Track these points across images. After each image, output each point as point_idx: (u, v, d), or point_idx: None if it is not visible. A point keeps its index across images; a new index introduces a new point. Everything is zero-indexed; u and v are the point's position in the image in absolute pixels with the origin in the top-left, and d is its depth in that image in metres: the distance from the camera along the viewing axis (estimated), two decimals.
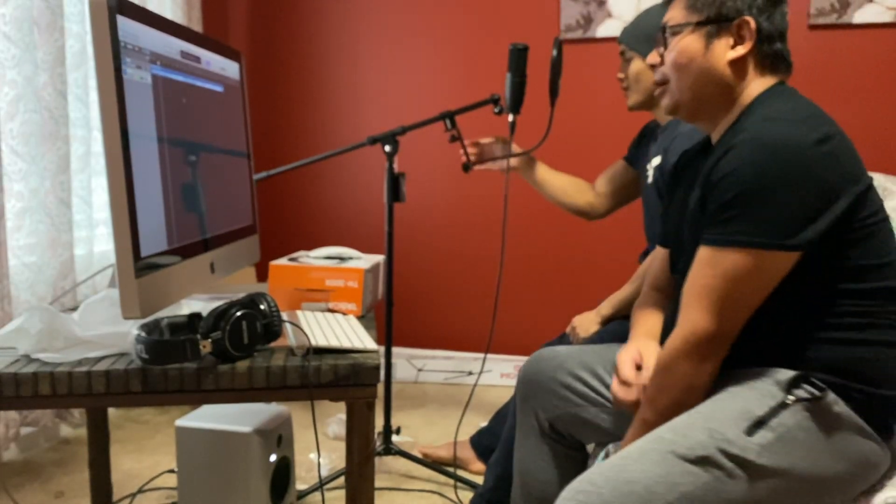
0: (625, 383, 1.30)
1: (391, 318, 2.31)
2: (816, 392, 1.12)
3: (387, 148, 2.23)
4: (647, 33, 1.89)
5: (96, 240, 2.74)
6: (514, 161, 2.18)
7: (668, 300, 1.44)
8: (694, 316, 1.15)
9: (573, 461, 1.52)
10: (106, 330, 1.25)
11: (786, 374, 1.15)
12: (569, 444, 1.52)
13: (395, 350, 3.39)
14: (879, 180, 2.48)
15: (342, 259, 1.67)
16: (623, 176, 2.18)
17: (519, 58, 2.05)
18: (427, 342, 3.43)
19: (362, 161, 3.44)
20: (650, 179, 1.96)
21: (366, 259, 1.70)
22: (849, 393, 1.14)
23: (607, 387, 1.44)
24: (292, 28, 3.46)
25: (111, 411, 2.79)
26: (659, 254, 1.48)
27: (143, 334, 1.18)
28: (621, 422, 1.42)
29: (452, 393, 3.19)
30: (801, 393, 1.12)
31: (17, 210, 2.35)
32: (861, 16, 2.83)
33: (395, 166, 2.26)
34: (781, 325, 1.17)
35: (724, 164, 1.14)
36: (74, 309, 1.46)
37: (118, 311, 1.13)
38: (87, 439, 1.81)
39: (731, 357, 1.19)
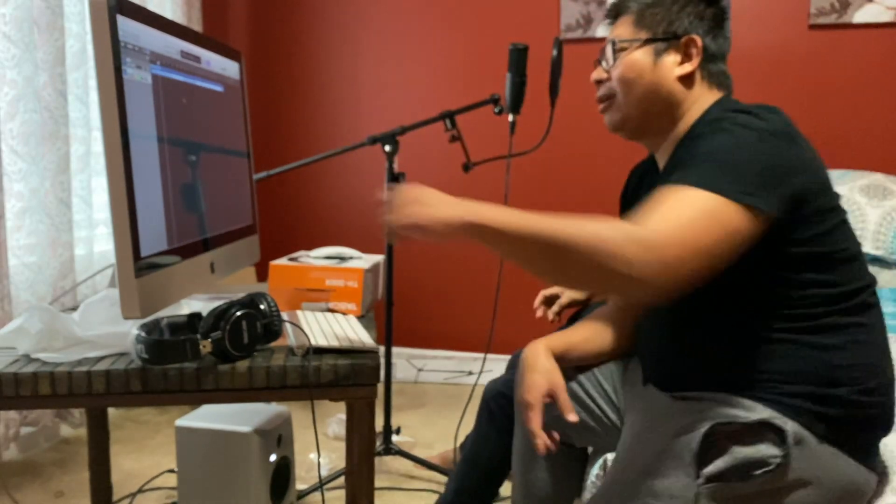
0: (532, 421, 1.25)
1: (391, 318, 2.31)
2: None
3: (387, 148, 2.23)
4: None
5: (96, 240, 2.74)
6: (576, 297, 1.98)
7: (629, 319, 1.42)
8: (661, 230, 1.02)
9: (573, 460, 1.51)
10: (106, 330, 1.25)
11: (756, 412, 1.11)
12: (566, 444, 1.51)
13: (395, 350, 3.38)
14: (879, 180, 2.48)
15: (342, 259, 1.67)
16: None
17: (519, 58, 2.05)
18: (427, 342, 3.43)
19: (362, 161, 3.44)
20: None
21: (366, 259, 1.70)
22: (824, 411, 1.11)
23: (604, 392, 1.44)
24: (292, 28, 3.45)
25: (111, 411, 2.79)
26: None
27: (143, 334, 1.18)
28: (615, 429, 1.42)
29: (452, 393, 3.19)
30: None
31: (17, 210, 2.35)
32: (861, 16, 2.83)
33: (395, 166, 2.26)
34: (750, 335, 1.14)
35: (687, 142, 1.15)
36: (74, 309, 1.46)
37: (118, 311, 1.13)
38: (87, 439, 1.82)
39: (699, 376, 1.17)
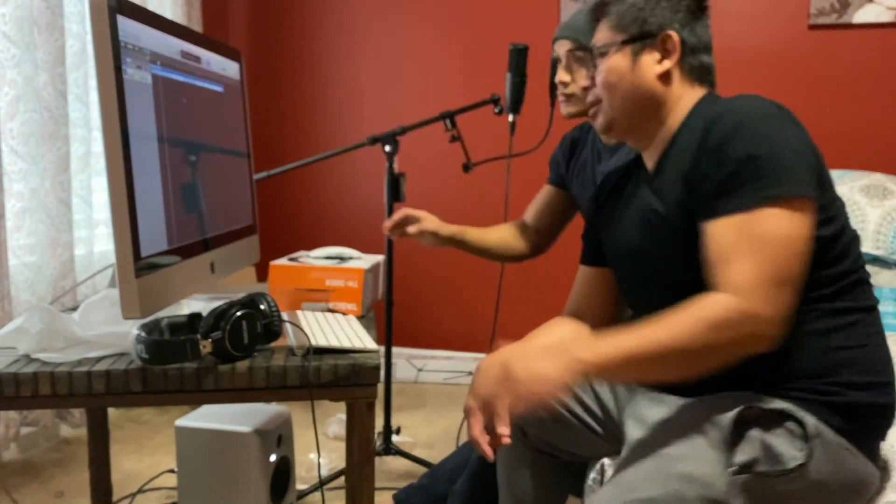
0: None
1: (391, 318, 2.31)
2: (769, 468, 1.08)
3: (387, 148, 2.23)
4: None
5: (96, 240, 2.74)
6: (438, 238, 1.88)
7: (592, 323, 1.41)
8: (751, 297, 1.04)
9: (557, 467, 1.48)
10: (106, 330, 1.25)
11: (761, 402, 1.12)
12: (551, 455, 1.49)
13: (395, 350, 3.38)
14: (879, 180, 2.48)
15: (342, 259, 1.67)
16: (556, 202, 1.99)
17: (519, 58, 2.04)
18: (427, 342, 3.43)
19: (362, 161, 3.44)
20: None
21: (366, 259, 1.70)
22: (831, 410, 1.12)
23: (601, 404, 1.41)
24: (292, 28, 3.45)
25: (111, 411, 2.79)
26: (584, 275, 1.45)
27: (143, 334, 1.18)
28: (610, 441, 1.40)
29: (452, 393, 3.19)
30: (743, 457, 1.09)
31: (17, 210, 2.35)
32: (861, 16, 2.83)
33: (395, 166, 2.25)
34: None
35: (708, 146, 1.13)
36: (74, 309, 1.46)
37: (118, 311, 1.13)
38: (87, 439, 1.82)
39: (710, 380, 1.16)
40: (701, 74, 1.27)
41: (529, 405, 1.04)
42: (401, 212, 1.87)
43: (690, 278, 1.19)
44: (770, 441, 1.09)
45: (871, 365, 1.15)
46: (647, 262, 1.27)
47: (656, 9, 1.24)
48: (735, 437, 1.10)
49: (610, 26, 1.28)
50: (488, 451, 1.17)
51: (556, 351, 1.06)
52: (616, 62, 1.26)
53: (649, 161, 1.31)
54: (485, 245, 1.95)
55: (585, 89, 1.33)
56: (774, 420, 1.11)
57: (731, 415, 1.11)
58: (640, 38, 1.25)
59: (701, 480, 1.07)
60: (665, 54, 1.24)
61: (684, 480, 1.07)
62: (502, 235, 2.00)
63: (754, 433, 1.10)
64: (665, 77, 1.25)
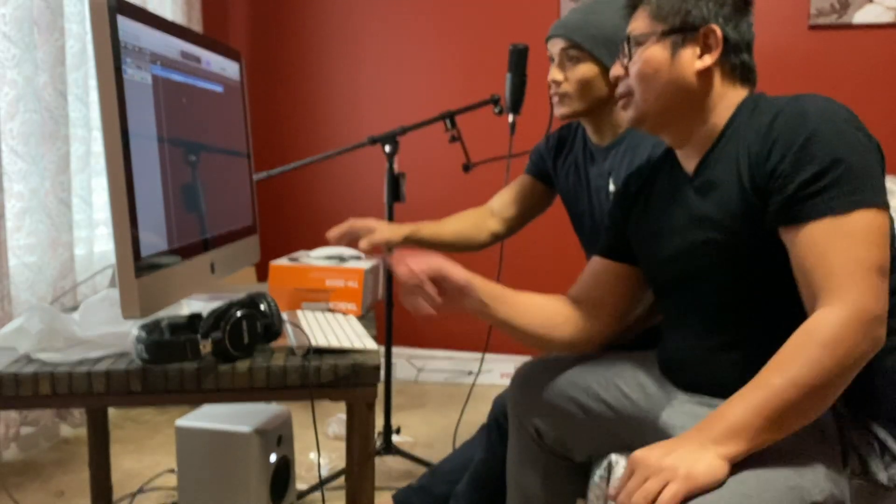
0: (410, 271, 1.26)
1: (391, 318, 2.31)
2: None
3: (387, 148, 2.23)
4: (603, 35, 1.61)
5: (96, 240, 2.74)
6: (391, 240, 1.83)
7: (583, 313, 1.39)
8: (856, 294, 1.01)
9: (574, 473, 1.46)
10: (106, 330, 1.25)
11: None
12: (564, 458, 1.47)
13: (395, 350, 3.39)
14: None
15: (342, 259, 1.67)
16: (532, 194, 1.95)
17: (519, 58, 2.04)
18: (427, 342, 3.43)
19: (362, 161, 3.44)
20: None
21: (366, 259, 1.70)
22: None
23: (625, 396, 1.38)
24: (292, 28, 3.45)
25: (111, 411, 2.79)
26: (595, 266, 1.42)
27: (144, 334, 1.18)
28: (620, 433, 1.38)
29: (452, 393, 3.19)
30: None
31: (17, 210, 2.35)
32: (861, 16, 2.83)
33: (395, 166, 2.25)
34: None
35: (787, 145, 1.08)
36: (74, 309, 1.46)
37: (118, 311, 1.13)
38: (87, 439, 1.82)
39: None
40: (743, 73, 1.22)
41: (695, 490, 0.98)
42: (347, 222, 1.82)
43: (732, 282, 1.16)
44: (864, 456, 1.10)
45: None
46: (689, 265, 1.23)
47: (699, 2, 1.19)
48: (843, 444, 1.09)
49: (649, 15, 1.22)
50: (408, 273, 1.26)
51: (687, 441, 1.01)
52: (654, 53, 1.21)
53: (688, 160, 1.26)
54: (441, 239, 1.92)
55: (617, 79, 1.28)
56: (861, 434, 1.11)
57: (830, 421, 1.09)
58: (681, 30, 1.19)
59: (818, 485, 1.03)
60: (706, 49, 1.19)
61: (808, 481, 1.03)
62: (460, 227, 1.96)
63: (856, 438, 1.10)
64: (704, 73, 1.20)
